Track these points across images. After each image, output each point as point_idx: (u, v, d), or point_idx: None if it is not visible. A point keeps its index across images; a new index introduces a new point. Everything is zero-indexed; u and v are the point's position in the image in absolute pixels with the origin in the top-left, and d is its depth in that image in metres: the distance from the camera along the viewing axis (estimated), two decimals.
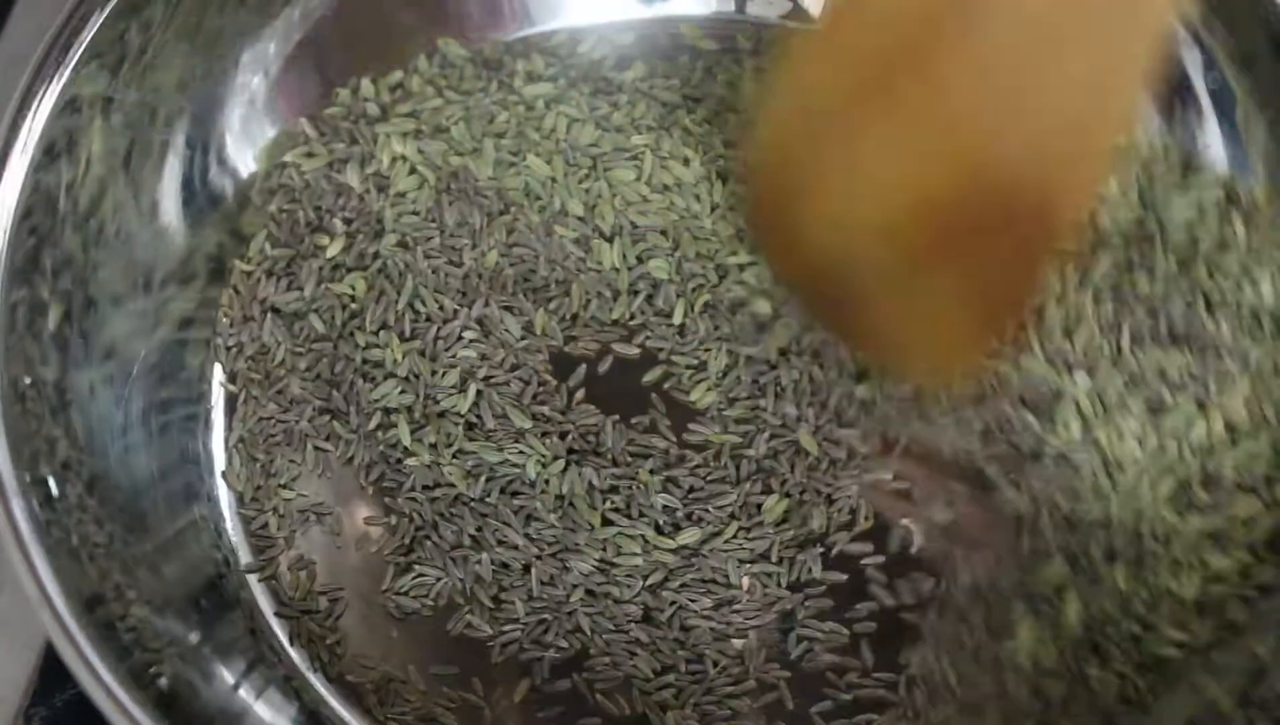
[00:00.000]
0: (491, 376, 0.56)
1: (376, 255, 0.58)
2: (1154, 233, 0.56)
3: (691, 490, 0.54)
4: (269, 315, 0.57)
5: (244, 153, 0.59)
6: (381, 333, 0.57)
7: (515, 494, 0.54)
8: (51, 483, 0.48)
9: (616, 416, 0.56)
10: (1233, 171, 0.57)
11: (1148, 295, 0.54)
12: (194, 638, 0.51)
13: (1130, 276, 0.55)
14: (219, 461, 0.56)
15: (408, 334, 0.57)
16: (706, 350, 0.56)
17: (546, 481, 0.54)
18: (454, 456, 0.55)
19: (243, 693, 0.50)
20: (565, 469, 0.54)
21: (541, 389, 0.56)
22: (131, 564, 0.50)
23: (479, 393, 0.56)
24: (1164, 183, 0.57)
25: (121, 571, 0.49)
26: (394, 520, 0.54)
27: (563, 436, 0.55)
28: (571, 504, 0.54)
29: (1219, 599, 0.51)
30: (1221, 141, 0.58)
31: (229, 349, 0.57)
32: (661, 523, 0.54)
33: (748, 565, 0.53)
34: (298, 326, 0.57)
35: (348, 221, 0.59)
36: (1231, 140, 0.58)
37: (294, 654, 0.53)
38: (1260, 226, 0.56)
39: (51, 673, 0.53)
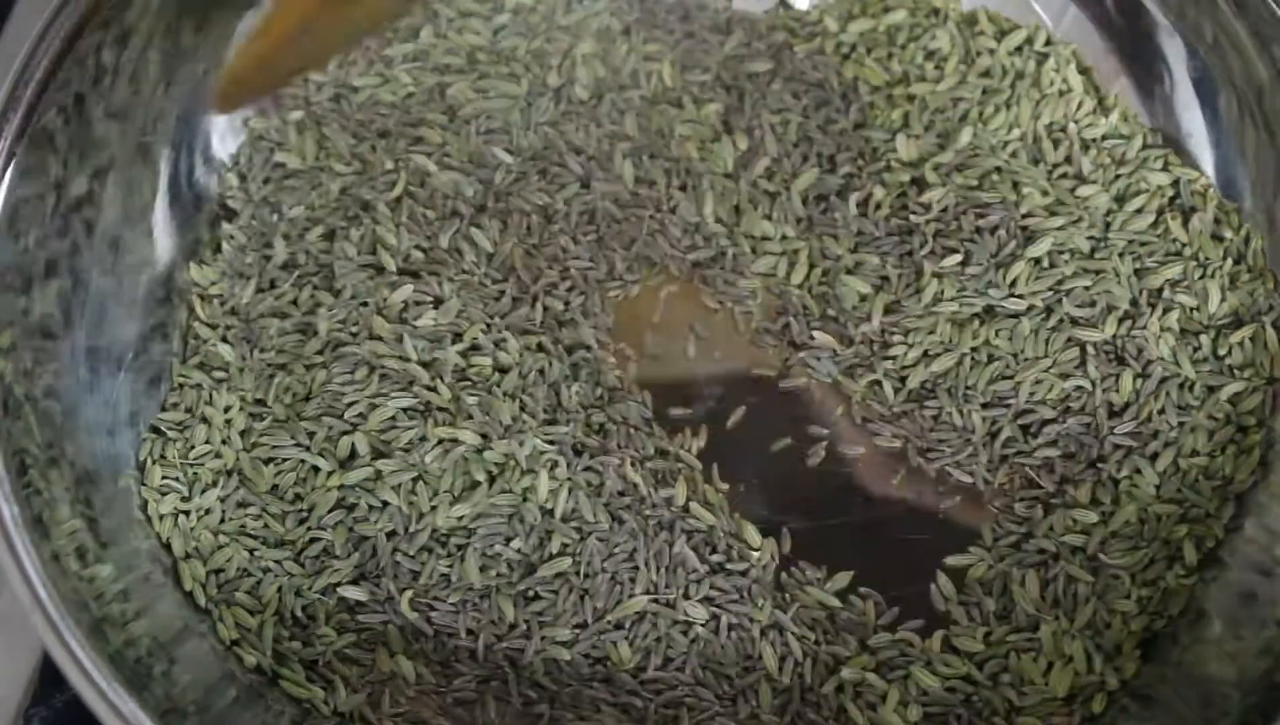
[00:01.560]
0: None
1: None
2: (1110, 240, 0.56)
3: None
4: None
5: (230, 150, 0.59)
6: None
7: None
8: (42, 486, 0.48)
9: None
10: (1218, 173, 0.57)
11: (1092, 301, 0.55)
12: (186, 637, 0.51)
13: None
14: None
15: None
16: None
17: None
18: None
19: (235, 691, 0.50)
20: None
21: None
22: (122, 566, 0.50)
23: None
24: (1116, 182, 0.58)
25: (113, 574, 0.49)
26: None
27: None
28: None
29: (1088, 691, 0.52)
30: (1204, 129, 0.58)
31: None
32: None
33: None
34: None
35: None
36: (1213, 128, 0.58)
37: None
38: (1205, 230, 0.56)
39: (51, 673, 0.52)
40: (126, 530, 0.52)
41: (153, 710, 0.44)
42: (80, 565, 0.48)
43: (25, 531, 0.46)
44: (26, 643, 0.53)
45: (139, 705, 0.44)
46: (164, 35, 0.55)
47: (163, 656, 0.48)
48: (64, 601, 0.45)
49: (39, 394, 0.50)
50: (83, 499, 0.50)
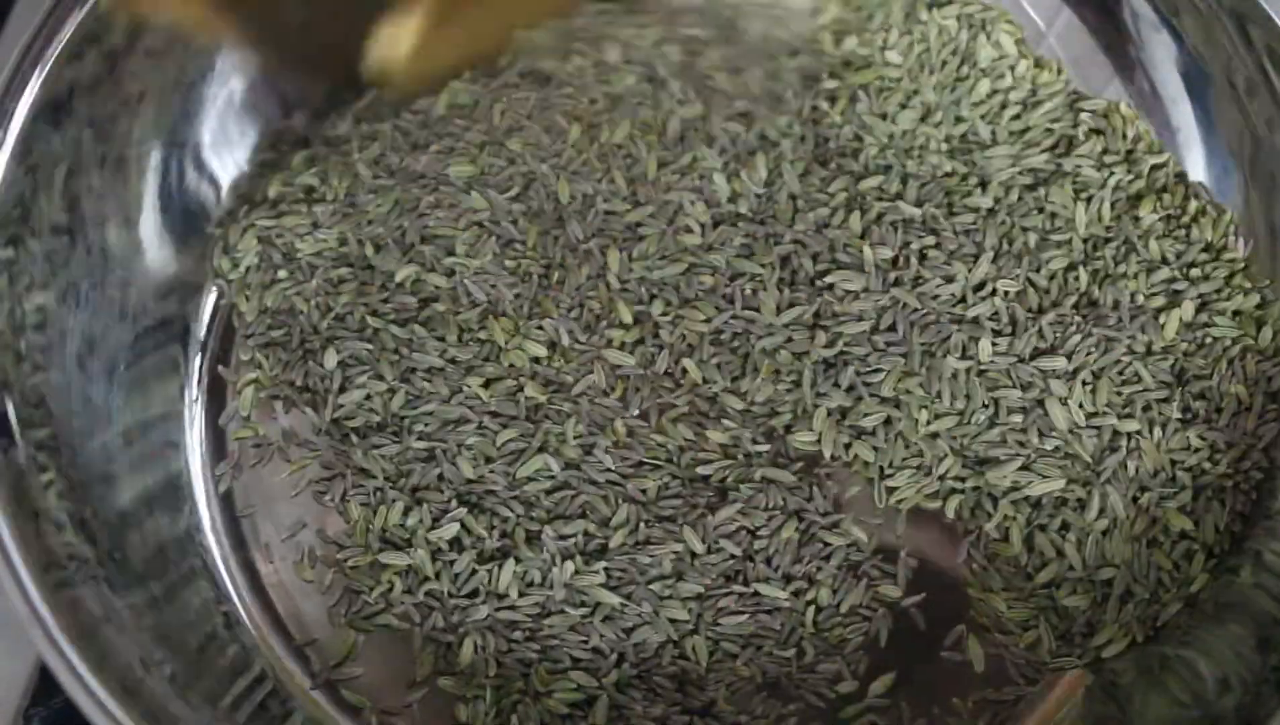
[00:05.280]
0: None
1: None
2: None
3: None
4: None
5: (222, 158, 0.59)
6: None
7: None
8: (37, 497, 0.48)
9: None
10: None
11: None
12: (181, 646, 0.51)
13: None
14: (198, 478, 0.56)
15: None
16: None
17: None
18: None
19: (229, 702, 0.51)
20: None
21: None
22: (119, 577, 0.50)
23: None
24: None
25: (109, 586, 0.49)
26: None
27: None
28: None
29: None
30: (1194, 123, 0.58)
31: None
32: None
33: None
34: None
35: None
36: (1203, 122, 0.57)
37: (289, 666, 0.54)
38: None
39: (51, 674, 0.53)
40: (122, 537, 0.52)
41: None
42: (77, 573, 0.48)
43: (19, 544, 0.46)
44: (27, 643, 0.54)
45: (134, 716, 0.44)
46: (151, 49, 0.55)
47: (158, 661, 0.49)
48: (59, 613, 0.46)
49: (31, 404, 0.50)
50: (77, 509, 0.50)
